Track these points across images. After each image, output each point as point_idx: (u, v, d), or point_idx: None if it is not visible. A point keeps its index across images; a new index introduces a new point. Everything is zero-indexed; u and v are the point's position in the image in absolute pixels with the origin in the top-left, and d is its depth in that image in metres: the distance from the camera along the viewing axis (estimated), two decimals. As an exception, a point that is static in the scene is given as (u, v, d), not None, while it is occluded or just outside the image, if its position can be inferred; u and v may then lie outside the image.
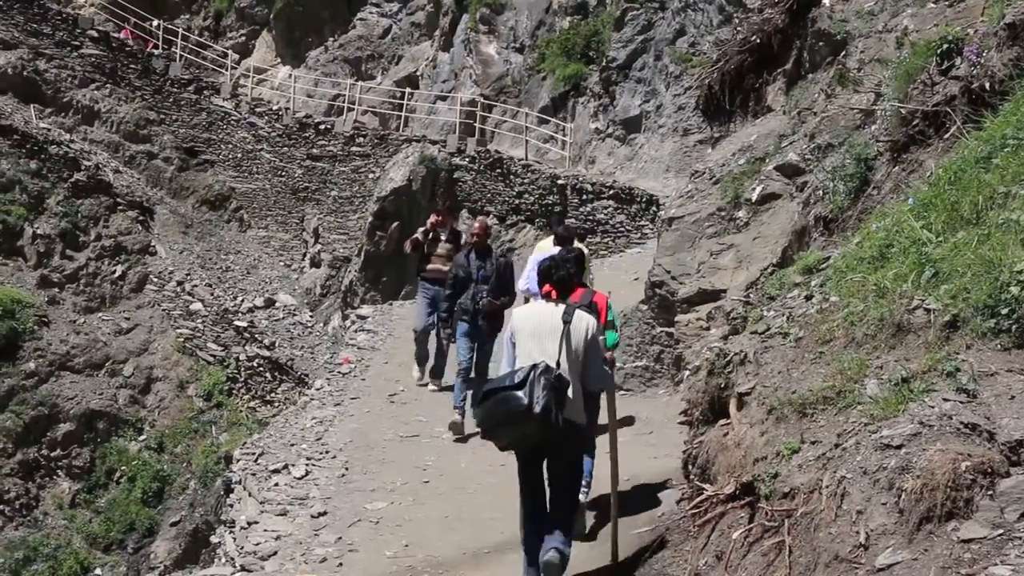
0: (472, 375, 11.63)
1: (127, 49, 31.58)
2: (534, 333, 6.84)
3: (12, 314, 22.65)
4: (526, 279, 11.34)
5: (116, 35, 32.05)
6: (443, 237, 14.08)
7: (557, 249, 9.75)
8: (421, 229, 14.28)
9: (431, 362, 13.78)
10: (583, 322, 6.89)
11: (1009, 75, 6.94)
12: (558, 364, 6.61)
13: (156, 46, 33.16)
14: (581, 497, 7.91)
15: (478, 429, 7.32)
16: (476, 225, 12.47)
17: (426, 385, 13.78)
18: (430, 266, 13.88)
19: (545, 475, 6.99)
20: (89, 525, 21.08)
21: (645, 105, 26.40)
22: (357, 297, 26.18)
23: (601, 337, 7.48)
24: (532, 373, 6.47)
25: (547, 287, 7.14)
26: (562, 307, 6.89)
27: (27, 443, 21.59)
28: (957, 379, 4.55)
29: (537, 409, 6.38)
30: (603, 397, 8.01)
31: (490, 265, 11.87)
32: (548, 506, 6.97)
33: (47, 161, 25.94)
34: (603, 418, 8.17)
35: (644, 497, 8.89)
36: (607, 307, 8.70)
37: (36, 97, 29.85)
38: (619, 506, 7.68)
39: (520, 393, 6.44)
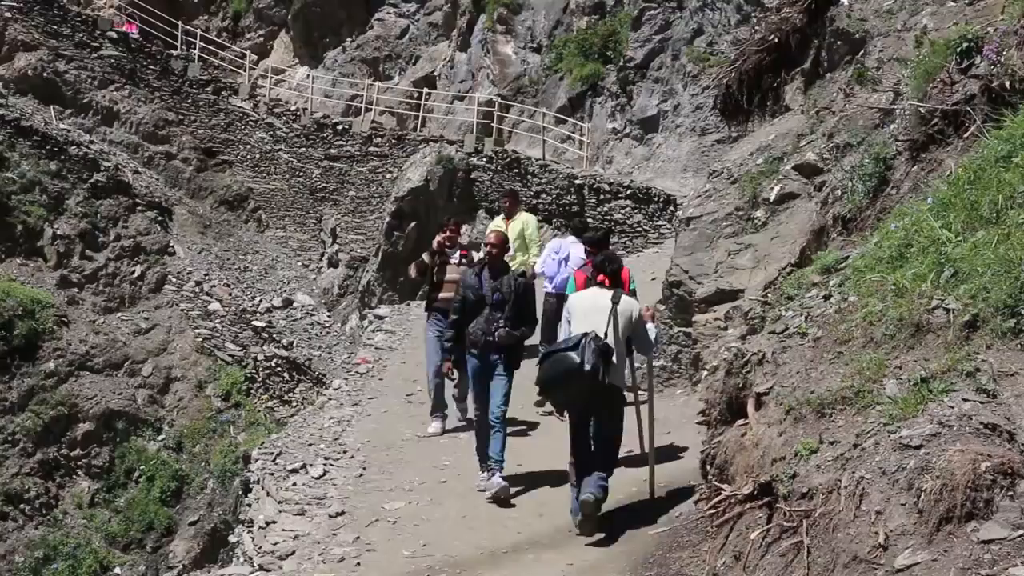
0: (487, 420, 9.59)
1: (145, 49, 31.67)
2: (587, 312, 8.47)
3: (32, 314, 22.77)
4: (542, 263, 13.09)
5: (120, 29, 32.05)
6: (454, 259, 11.74)
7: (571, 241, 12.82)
8: (427, 253, 12.09)
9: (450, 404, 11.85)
10: (628, 305, 8.66)
11: (1029, 73, 6.90)
12: (605, 335, 8.21)
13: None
14: None
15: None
16: (491, 236, 10.23)
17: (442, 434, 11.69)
18: (441, 295, 11.60)
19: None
20: (108, 524, 21.17)
21: (663, 105, 26.35)
22: (375, 297, 26.22)
23: (650, 325, 9.27)
24: (584, 339, 8.04)
25: (601, 276, 8.85)
26: (611, 292, 8.59)
27: (47, 443, 21.70)
28: (977, 379, 4.54)
29: (587, 367, 7.92)
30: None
31: (506, 286, 9.62)
32: (591, 455, 8.45)
33: (67, 162, 26.08)
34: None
35: (662, 497, 8.88)
36: (630, 279, 10.34)
37: (56, 98, 30.00)
38: (655, 451, 9.20)
39: (573, 354, 8.02)
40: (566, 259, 12.60)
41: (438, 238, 11.97)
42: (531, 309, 9.96)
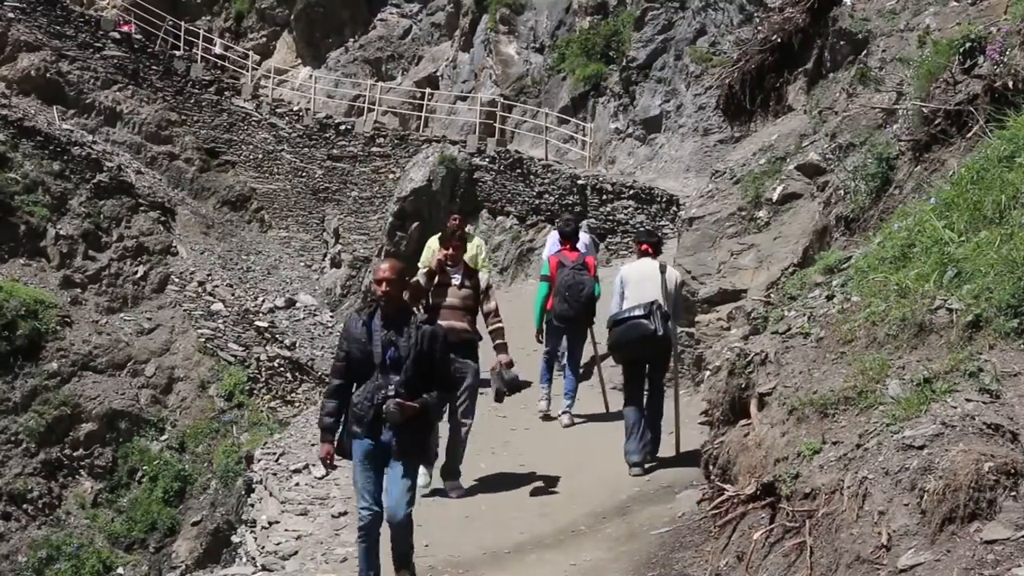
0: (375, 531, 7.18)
1: (147, 50, 31.68)
2: (639, 280, 9.96)
3: (35, 314, 22.77)
4: (548, 251, 14.00)
5: (120, 29, 32.03)
6: (456, 279, 9.70)
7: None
8: (423, 271, 10.07)
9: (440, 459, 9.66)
10: (672, 273, 10.19)
11: (1032, 73, 6.90)
12: (661, 303, 9.69)
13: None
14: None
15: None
16: (383, 269, 7.19)
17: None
18: (439, 324, 8.41)
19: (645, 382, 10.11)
20: (111, 524, 21.17)
21: (665, 105, 26.34)
22: (378, 297, 26.19)
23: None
24: (652, 307, 9.59)
25: (645, 246, 10.39)
26: (656, 262, 10.12)
27: (50, 443, 21.70)
28: (980, 379, 4.53)
29: (660, 332, 9.55)
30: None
31: (405, 340, 6.97)
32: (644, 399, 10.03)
33: (70, 162, 26.08)
34: None
35: (665, 497, 8.88)
36: (595, 266, 12.34)
37: (59, 99, 30.00)
38: (679, 413, 10.38)
39: (647, 321, 9.54)
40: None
41: (438, 255, 9.80)
42: (443, 369, 7.24)
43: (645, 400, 10.06)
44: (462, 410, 9.54)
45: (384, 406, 6.90)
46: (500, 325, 9.79)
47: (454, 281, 9.69)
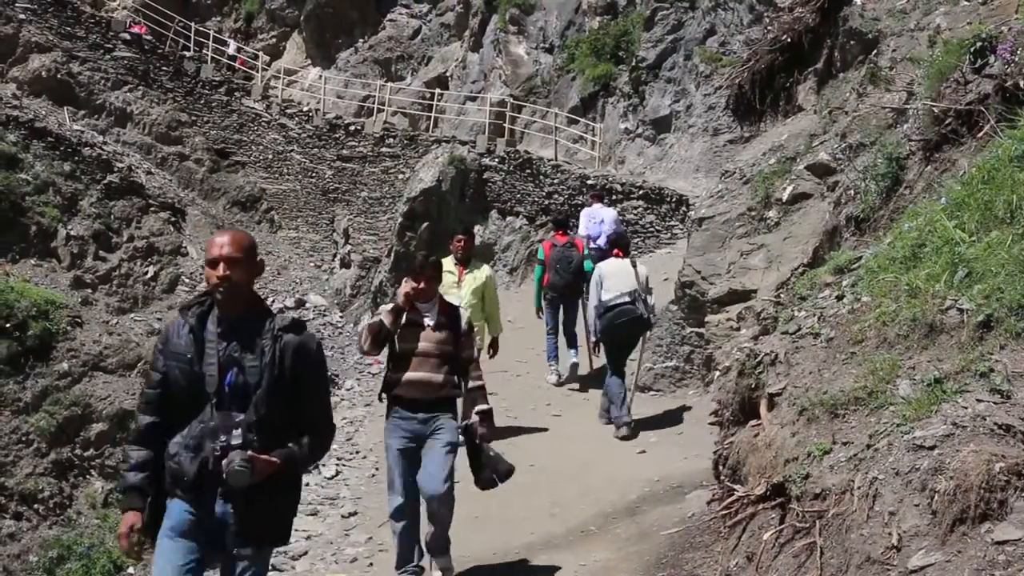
0: None
1: (158, 51, 31.77)
2: (616, 274, 11.56)
3: (46, 315, 22.82)
4: (585, 227, 16.31)
5: (131, 31, 32.10)
6: (429, 320, 7.51)
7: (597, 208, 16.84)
8: (386, 308, 7.64)
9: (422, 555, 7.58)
10: (642, 268, 11.81)
11: (1043, 73, 6.87)
12: (640, 292, 11.40)
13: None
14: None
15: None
16: (221, 243, 4.66)
17: None
18: (409, 375, 7.36)
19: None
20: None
21: (675, 105, 26.34)
22: (387, 298, 26.19)
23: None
24: (635, 295, 11.31)
25: (617, 251, 12.00)
26: (627, 260, 11.81)
27: (60, 443, 21.73)
28: (991, 380, 4.51)
29: (645, 316, 11.40)
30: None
31: (257, 354, 4.59)
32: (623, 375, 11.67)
33: (80, 163, 26.14)
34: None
35: (674, 498, 8.87)
36: (584, 245, 14.47)
37: (70, 100, 30.10)
38: (638, 378, 12.53)
39: (634, 307, 11.27)
40: (601, 221, 16.31)
41: (405, 288, 7.48)
42: (319, 401, 4.83)
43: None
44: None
45: (224, 462, 4.42)
46: (482, 383, 7.59)
47: (427, 322, 7.50)
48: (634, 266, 11.69)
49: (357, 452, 11.26)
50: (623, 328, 11.41)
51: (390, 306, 7.56)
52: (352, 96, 33.74)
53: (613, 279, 11.52)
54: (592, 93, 28.16)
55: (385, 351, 7.58)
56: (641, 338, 12.07)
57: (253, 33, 37.76)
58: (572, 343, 13.97)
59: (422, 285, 7.45)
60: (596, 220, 16.31)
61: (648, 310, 11.38)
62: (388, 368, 7.58)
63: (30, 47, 30.18)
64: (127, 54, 31.04)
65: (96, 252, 25.23)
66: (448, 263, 10.84)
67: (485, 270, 11.74)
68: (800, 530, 4.84)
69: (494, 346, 11.69)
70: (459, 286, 11.27)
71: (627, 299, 11.28)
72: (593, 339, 11.95)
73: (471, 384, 7.52)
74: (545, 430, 11.92)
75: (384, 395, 7.60)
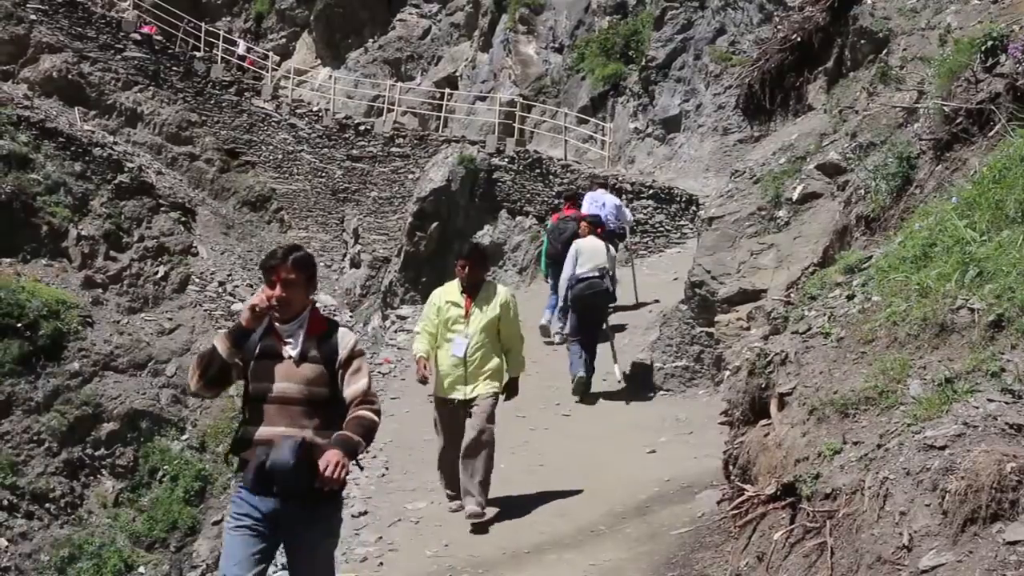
0: None
1: (168, 51, 31.83)
2: (589, 251, 13.54)
3: (57, 315, 22.88)
4: (587, 209, 16.79)
5: (141, 31, 32.11)
6: (291, 348, 5.15)
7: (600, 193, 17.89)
8: (222, 333, 5.34)
9: None
10: (611, 248, 13.99)
11: (1055, 72, 6.85)
12: (608, 269, 13.42)
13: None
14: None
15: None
16: None
17: None
18: (264, 430, 5.06)
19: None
20: (132, 524, 21.25)
21: (685, 104, 26.30)
22: (397, 297, 26.25)
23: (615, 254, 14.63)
24: (604, 271, 13.31)
25: (599, 229, 14.18)
26: (599, 241, 13.76)
27: (71, 442, 21.80)
28: (1002, 379, 4.50)
29: (611, 289, 13.57)
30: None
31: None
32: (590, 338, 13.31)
33: (91, 163, 26.20)
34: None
35: (684, 497, 8.87)
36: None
37: (80, 100, 30.18)
38: (614, 346, 13.84)
39: (601, 280, 13.27)
40: (603, 205, 17.18)
41: (259, 295, 5.14)
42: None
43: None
44: None
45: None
46: (371, 415, 5.09)
47: (287, 351, 5.16)
48: (606, 246, 13.78)
49: (367, 452, 11.26)
50: (590, 299, 13.28)
51: (232, 325, 5.23)
52: (362, 96, 33.76)
53: (587, 255, 13.51)
54: (602, 93, 28.13)
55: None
56: (606, 309, 13.99)
57: (263, 33, 37.81)
58: (552, 304, 15.93)
59: (278, 292, 5.08)
60: (598, 203, 17.33)
61: (612, 283, 13.53)
62: (241, 419, 5.30)
63: (41, 48, 30.27)
64: (138, 54, 31.10)
65: (107, 252, 25.28)
66: (452, 292, 9.15)
67: (501, 295, 9.17)
68: (810, 530, 4.83)
69: (512, 388, 9.33)
70: (466, 322, 9.02)
71: (596, 274, 13.28)
72: (561, 304, 14.17)
73: (356, 413, 5.08)
74: (554, 430, 11.91)
75: (232, 457, 5.28)
